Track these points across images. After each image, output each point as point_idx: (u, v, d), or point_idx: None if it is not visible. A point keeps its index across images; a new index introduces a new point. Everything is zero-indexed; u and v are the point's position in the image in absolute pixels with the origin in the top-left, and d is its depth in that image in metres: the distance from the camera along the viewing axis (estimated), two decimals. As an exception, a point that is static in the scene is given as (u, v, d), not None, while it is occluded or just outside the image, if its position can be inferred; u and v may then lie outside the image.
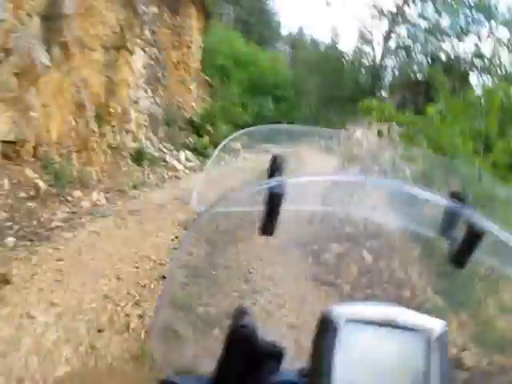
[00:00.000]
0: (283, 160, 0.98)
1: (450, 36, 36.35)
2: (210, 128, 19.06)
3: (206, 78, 23.31)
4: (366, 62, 40.46)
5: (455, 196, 0.93)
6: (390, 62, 40.11)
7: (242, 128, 21.90)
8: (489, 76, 33.01)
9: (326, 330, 0.72)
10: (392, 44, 39.16)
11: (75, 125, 9.02)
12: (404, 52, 39.58)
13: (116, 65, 11.19)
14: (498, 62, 33.03)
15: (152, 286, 5.70)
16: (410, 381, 0.71)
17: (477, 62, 35.08)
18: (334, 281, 6.50)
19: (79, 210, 7.87)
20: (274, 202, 0.90)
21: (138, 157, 12.37)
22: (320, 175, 1.24)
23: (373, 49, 39.23)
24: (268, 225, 0.93)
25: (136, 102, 12.79)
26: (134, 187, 10.60)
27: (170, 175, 13.30)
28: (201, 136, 18.44)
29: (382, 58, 39.22)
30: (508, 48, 32.06)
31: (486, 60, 34.22)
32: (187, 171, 14.57)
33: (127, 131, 12.33)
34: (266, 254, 7.28)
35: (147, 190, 10.91)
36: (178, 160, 15.01)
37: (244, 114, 24.50)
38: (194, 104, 20.53)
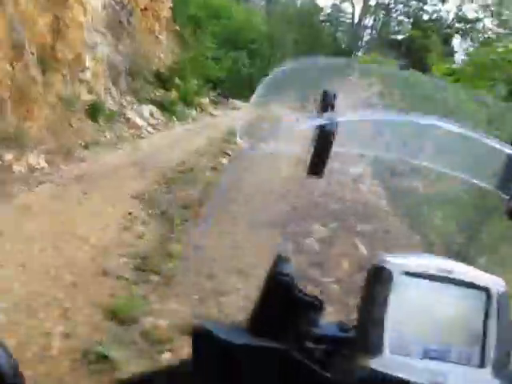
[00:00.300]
0: (335, 95, 0.91)
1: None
2: (179, 82, 17.65)
3: (177, 28, 21.67)
4: (344, 20, 39.74)
5: None
6: (370, 22, 39.56)
7: (214, 83, 20.62)
8: (471, 41, 32.53)
9: (379, 281, 0.68)
10: (372, 3, 38.59)
11: (11, 70, 7.45)
12: (384, 12, 38.92)
13: (65, 2, 9.51)
14: (480, 26, 32.42)
15: (87, 287, 4.36)
16: (465, 339, 0.68)
17: (459, 26, 34.61)
18: (320, 278, 5.25)
19: (8, 177, 6.42)
20: (324, 139, 0.84)
21: (94, 111, 10.84)
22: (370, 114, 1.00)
23: (352, 6, 38.40)
24: (317, 164, 0.86)
25: (93, 48, 11.16)
26: (85, 147, 9.20)
27: (130, 133, 11.87)
28: (168, 90, 16.93)
29: (361, 16, 38.50)
30: (491, 12, 31.18)
31: (467, 25, 33.80)
32: (151, 129, 13.13)
33: (81, 81, 10.76)
34: (234, 238, 5.96)
35: (101, 151, 9.50)
36: (141, 116, 13.49)
37: (217, 68, 23.07)
38: (162, 55, 18.99)
